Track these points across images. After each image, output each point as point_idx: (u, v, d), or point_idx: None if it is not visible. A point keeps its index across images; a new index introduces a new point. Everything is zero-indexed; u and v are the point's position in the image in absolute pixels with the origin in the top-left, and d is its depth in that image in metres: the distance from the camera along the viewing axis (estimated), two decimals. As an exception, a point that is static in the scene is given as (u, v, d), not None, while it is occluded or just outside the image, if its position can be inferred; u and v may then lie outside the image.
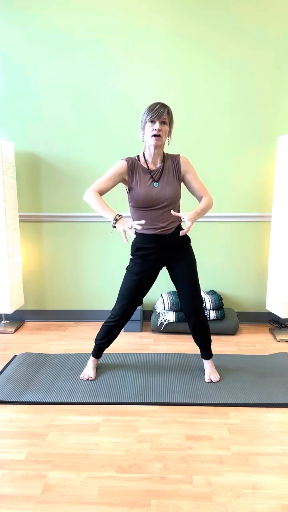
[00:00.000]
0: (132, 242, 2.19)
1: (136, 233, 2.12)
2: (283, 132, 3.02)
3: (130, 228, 1.83)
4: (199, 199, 2.13)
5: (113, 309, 2.24)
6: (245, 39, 2.91)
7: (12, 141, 3.11)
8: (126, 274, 2.20)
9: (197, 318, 2.20)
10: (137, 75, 2.98)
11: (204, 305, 2.97)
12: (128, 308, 2.19)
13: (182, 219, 2.07)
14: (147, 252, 2.13)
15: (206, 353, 2.31)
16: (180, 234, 1.91)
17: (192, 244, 3.19)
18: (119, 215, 1.90)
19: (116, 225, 1.88)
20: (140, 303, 2.24)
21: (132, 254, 2.20)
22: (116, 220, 1.88)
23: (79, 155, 3.11)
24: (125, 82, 3.00)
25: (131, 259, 2.21)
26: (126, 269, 2.21)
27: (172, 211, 1.91)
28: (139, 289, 2.17)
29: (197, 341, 2.29)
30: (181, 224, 2.20)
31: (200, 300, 2.20)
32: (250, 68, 2.94)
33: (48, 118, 3.07)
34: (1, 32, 2.97)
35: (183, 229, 2.18)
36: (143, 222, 1.86)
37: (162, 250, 2.12)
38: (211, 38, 2.92)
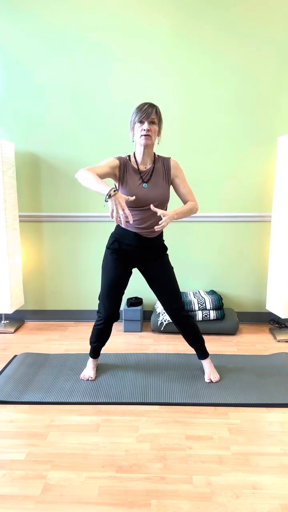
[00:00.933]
0: (112, 233, 2.17)
1: (120, 227, 2.12)
2: (283, 132, 3.02)
3: (122, 214, 1.74)
4: (185, 203, 2.13)
5: (98, 311, 2.23)
6: (245, 39, 2.91)
7: (12, 141, 3.11)
8: (102, 273, 2.18)
9: (181, 318, 2.19)
10: (137, 75, 2.98)
11: (204, 305, 2.97)
12: (112, 307, 2.18)
13: (161, 216, 1.95)
14: (123, 248, 2.12)
15: (202, 352, 2.30)
16: (155, 228, 1.87)
17: (192, 244, 3.20)
18: (115, 190, 1.76)
19: (108, 200, 1.75)
20: (121, 300, 2.21)
21: (108, 246, 2.16)
22: (109, 195, 1.74)
23: (79, 155, 3.11)
24: (125, 82, 2.99)
25: (105, 255, 2.17)
26: (102, 267, 2.19)
27: (151, 206, 1.89)
28: (117, 284, 2.15)
29: (189, 341, 2.28)
30: (163, 237, 2.20)
31: (180, 300, 2.18)
32: (250, 68, 2.94)
33: (48, 118, 3.07)
34: (1, 32, 2.97)
35: (163, 240, 2.19)
36: (132, 198, 1.83)
37: (138, 250, 2.11)
38: (211, 38, 2.92)
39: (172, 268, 2.20)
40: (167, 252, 2.24)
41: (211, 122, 3.03)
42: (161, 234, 2.18)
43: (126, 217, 1.83)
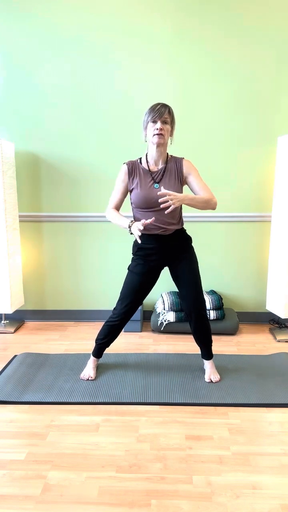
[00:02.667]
0: (134, 242, 2.20)
1: None
2: (283, 132, 3.02)
3: (140, 232, 1.90)
4: None
5: (114, 308, 2.24)
6: (245, 39, 2.91)
7: (12, 141, 3.11)
8: (128, 274, 2.21)
9: (198, 318, 2.20)
10: (137, 75, 2.98)
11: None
12: (130, 307, 2.20)
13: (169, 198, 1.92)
14: (148, 252, 2.14)
15: (207, 353, 2.31)
16: (162, 205, 1.86)
17: (192, 243, 3.20)
18: (132, 221, 1.98)
19: (131, 230, 1.96)
20: (141, 302, 2.24)
21: (133, 254, 2.21)
22: (129, 226, 1.97)
23: (79, 155, 3.11)
24: (125, 82, 3.00)
25: (132, 259, 2.22)
26: (128, 269, 2.22)
27: (162, 188, 1.88)
28: (141, 289, 2.17)
29: (198, 341, 2.29)
30: (183, 228, 2.20)
31: (202, 300, 2.20)
32: (250, 68, 2.94)
33: (48, 118, 3.07)
34: (1, 32, 2.97)
35: (185, 232, 2.20)
36: (149, 221, 1.88)
37: (163, 250, 2.13)
38: (211, 38, 2.92)
39: (197, 265, 2.20)
40: (192, 246, 2.24)
41: (211, 122, 3.03)
42: (181, 226, 2.16)
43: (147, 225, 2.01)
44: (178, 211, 2.13)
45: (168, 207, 1.97)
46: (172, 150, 3.02)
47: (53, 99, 3.04)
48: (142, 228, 1.86)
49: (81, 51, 2.98)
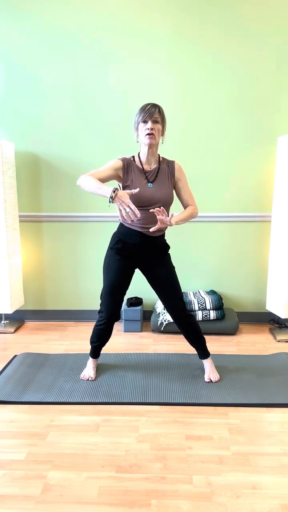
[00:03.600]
0: (114, 233, 2.18)
1: (123, 226, 2.12)
2: (283, 132, 3.02)
3: (128, 210, 1.76)
4: (185, 207, 2.16)
5: (99, 311, 2.24)
6: (245, 39, 2.91)
7: (12, 141, 3.11)
8: (105, 273, 2.17)
9: (183, 319, 2.20)
10: (137, 75, 2.98)
11: (204, 305, 2.97)
12: (113, 306, 2.19)
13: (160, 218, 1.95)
14: (127, 247, 2.12)
15: (203, 352, 2.31)
16: (151, 230, 1.91)
17: (192, 244, 3.20)
18: (115, 190, 1.77)
19: (112, 201, 1.77)
20: (122, 302, 2.22)
21: (111, 247, 2.16)
22: (112, 197, 1.76)
23: (79, 155, 3.11)
24: (126, 82, 3.00)
25: (107, 255, 2.17)
26: (104, 267, 2.18)
27: (152, 210, 1.90)
28: (120, 285, 2.16)
29: (190, 341, 2.29)
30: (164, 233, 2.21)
31: (182, 301, 2.19)
32: (250, 68, 2.94)
33: (48, 118, 3.07)
34: (1, 32, 2.97)
35: (164, 239, 2.21)
36: (135, 191, 1.81)
37: (142, 250, 2.12)
38: (211, 38, 2.92)
39: (174, 268, 2.21)
40: (169, 252, 2.23)
41: (211, 122, 3.03)
42: (164, 234, 2.19)
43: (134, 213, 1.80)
44: (167, 213, 2.13)
45: (162, 212, 1.94)
46: (172, 150, 3.03)
47: (53, 99, 3.04)
48: (134, 192, 1.80)
49: (81, 51, 2.98)
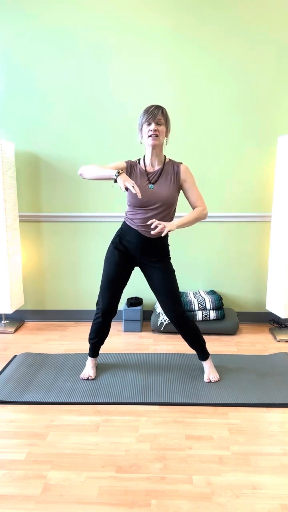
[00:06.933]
0: (119, 229, 2.22)
1: (125, 224, 2.17)
2: (283, 132, 3.02)
3: (131, 187, 1.83)
4: (193, 208, 2.15)
5: (97, 303, 2.25)
6: (245, 38, 2.91)
7: (12, 141, 3.11)
8: (104, 265, 2.21)
9: (180, 321, 2.20)
10: (137, 75, 2.98)
11: (204, 305, 2.97)
12: (109, 300, 2.20)
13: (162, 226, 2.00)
14: (123, 243, 2.16)
15: (202, 354, 2.31)
16: (152, 232, 1.93)
17: (192, 243, 3.20)
18: (121, 170, 1.92)
19: (117, 179, 1.88)
20: (119, 297, 2.25)
21: (112, 241, 2.21)
22: (116, 175, 1.88)
23: (79, 155, 3.11)
24: (125, 82, 2.99)
25: (109, 247, 2.22)
26: (104, 259, 2.22)
27: (148, 222, 1.94)
28: (117, 279, 2.18)
29: (189, 343, 2.29)
30: (167, 236, 2.22)
31: (180, 303, 2.19)
32: (250, 68, 2.94)
33: (48, 118, 3.07)
34: (1, 32, 2.97)
35: (167, 240, 2.21)
36: (131, 185, 1.84)
37: (138, 249, 2.14)
38: (211, 37, 2.92)
39: (173, 272, 2.20)
40: (170, 256, 2.23)
41: (211, 122, 3.03)
42: (165, 237, 2.19)
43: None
44: (170, 217, 2.14)
45: (158, 225, 1.96)
46: (172, 150, 3.03)
47: (53, 99, 3.04)
48: (134, 191, 1.83)
49: (81, 51, 2.97)
